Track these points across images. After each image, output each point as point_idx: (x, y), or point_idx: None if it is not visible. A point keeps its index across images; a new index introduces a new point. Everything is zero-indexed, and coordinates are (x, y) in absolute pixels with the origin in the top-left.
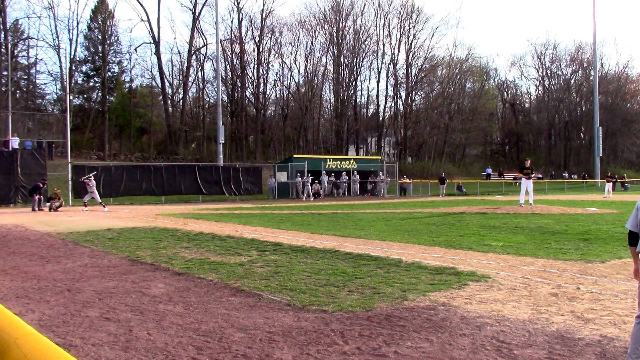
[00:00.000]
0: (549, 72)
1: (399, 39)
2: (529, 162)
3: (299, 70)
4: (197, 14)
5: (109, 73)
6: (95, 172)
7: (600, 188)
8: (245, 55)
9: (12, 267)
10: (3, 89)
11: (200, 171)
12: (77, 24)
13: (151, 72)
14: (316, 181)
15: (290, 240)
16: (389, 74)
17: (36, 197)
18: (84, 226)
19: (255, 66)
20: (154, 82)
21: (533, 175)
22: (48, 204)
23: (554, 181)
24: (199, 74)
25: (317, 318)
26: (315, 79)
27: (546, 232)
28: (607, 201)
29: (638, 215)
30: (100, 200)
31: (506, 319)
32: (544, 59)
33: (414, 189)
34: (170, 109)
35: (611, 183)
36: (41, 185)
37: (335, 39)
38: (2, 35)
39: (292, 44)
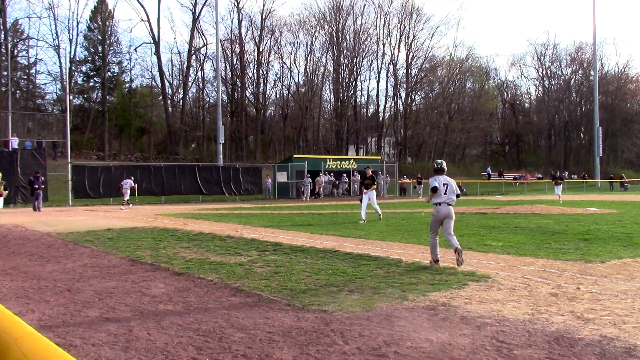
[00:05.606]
0: (549, 72)
1: (399, 39)
2: (370, 171)
3: (298, 70)
4: (197, 14)
5: (109, 73)
6: (132, 178)
7: (600, 188)
8: (245, 55)
9: (12, 267)
10: (3, 89)
11: (200, 171)
12: (77, 24)
13: (151, 72)
14: (316, 180)
15: (290, 240)
16: (389, 74)
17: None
18: (84, 226)
19: (255, 66)
20: (154, 82)
21: (373, 186)
22: None
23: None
24: (199, 74)
25: (317, 318)
26: (315, 79)
27: (546, 232)
28: (606, 201)
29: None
30: (127, 199)
31: (506, 319)
32: (544, 59)
33: (414, 189)
34: (170, 109)
35: (560, 185)
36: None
37: (335, 39)
38: (2, 35)
39: (292, 44)
